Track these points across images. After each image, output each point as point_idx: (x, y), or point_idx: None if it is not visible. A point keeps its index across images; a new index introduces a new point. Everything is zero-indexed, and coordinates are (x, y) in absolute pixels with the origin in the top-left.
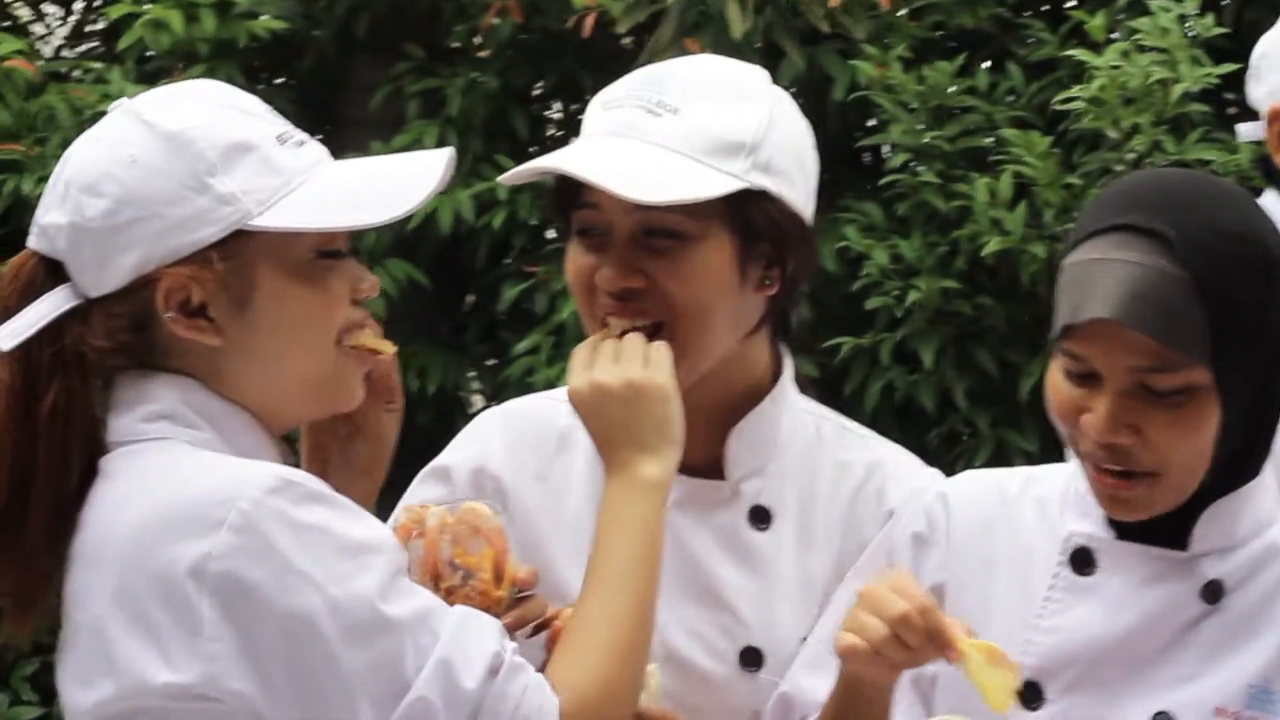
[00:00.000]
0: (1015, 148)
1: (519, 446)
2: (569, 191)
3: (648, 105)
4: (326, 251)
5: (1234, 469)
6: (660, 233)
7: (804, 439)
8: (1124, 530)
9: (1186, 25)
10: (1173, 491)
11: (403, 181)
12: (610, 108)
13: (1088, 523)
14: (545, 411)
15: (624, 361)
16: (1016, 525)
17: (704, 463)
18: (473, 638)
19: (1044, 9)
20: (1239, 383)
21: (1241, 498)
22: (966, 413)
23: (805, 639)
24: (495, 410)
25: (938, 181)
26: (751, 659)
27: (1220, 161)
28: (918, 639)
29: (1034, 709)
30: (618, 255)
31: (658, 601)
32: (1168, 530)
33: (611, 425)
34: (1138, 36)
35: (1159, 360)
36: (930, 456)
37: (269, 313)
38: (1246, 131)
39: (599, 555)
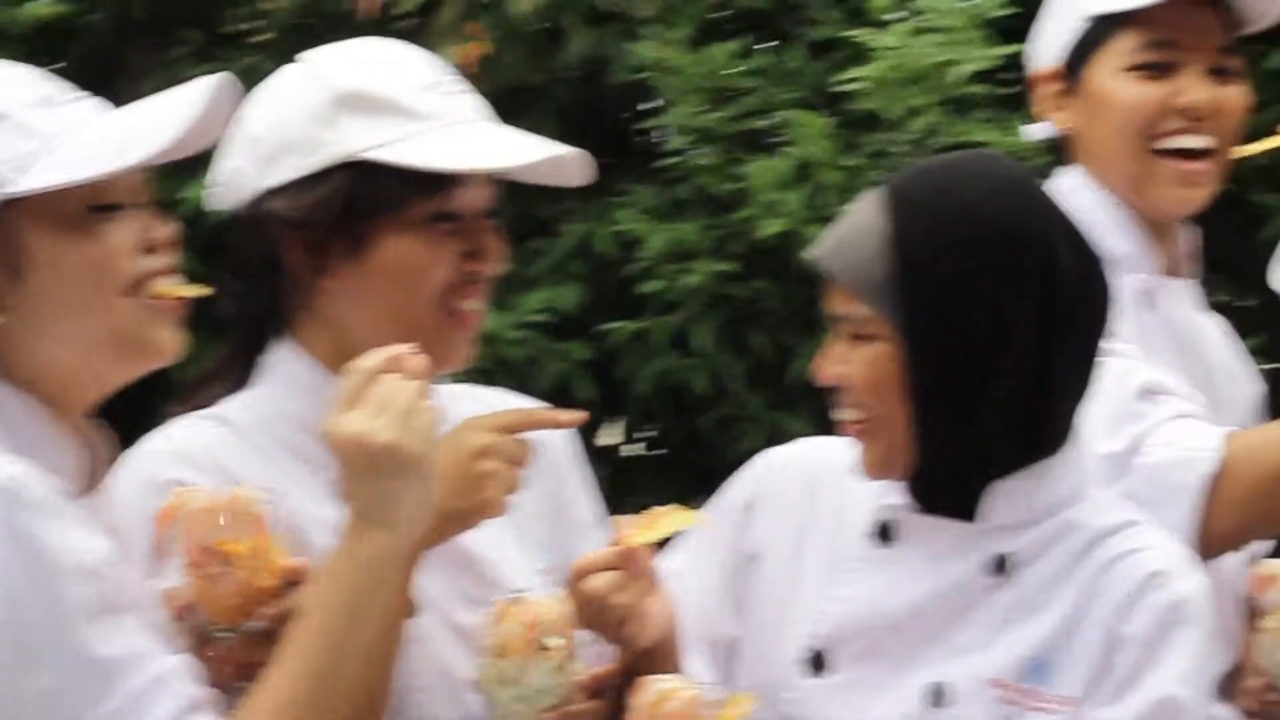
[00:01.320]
0: (795, 129)
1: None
2: (440, 179)
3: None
4: (99, 205)
5: (1020, 445)
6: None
7: None
8: (926, 504)
9: (972, 4)
10: (885, 435)
11: (166, 117)
12: (449, 93)
13: (894, 494)
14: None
15: (391, 415)
16: (840, 495)
17: None
18: (158, 702)
19: None
20: (926, 341)
21: (1035, 475)
22: (741, 397)
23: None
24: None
25: (716, 164)
26: None
27: (1000, 143)
28: None
29: (821, 677)
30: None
31: (360, 670)
32: (967, 506)
33: (359, 484)
34: (922, 16)
35: (850, 306)
36: (704, 442)
37: (46, 279)
38: (1035, 131)
39: (303, 612)
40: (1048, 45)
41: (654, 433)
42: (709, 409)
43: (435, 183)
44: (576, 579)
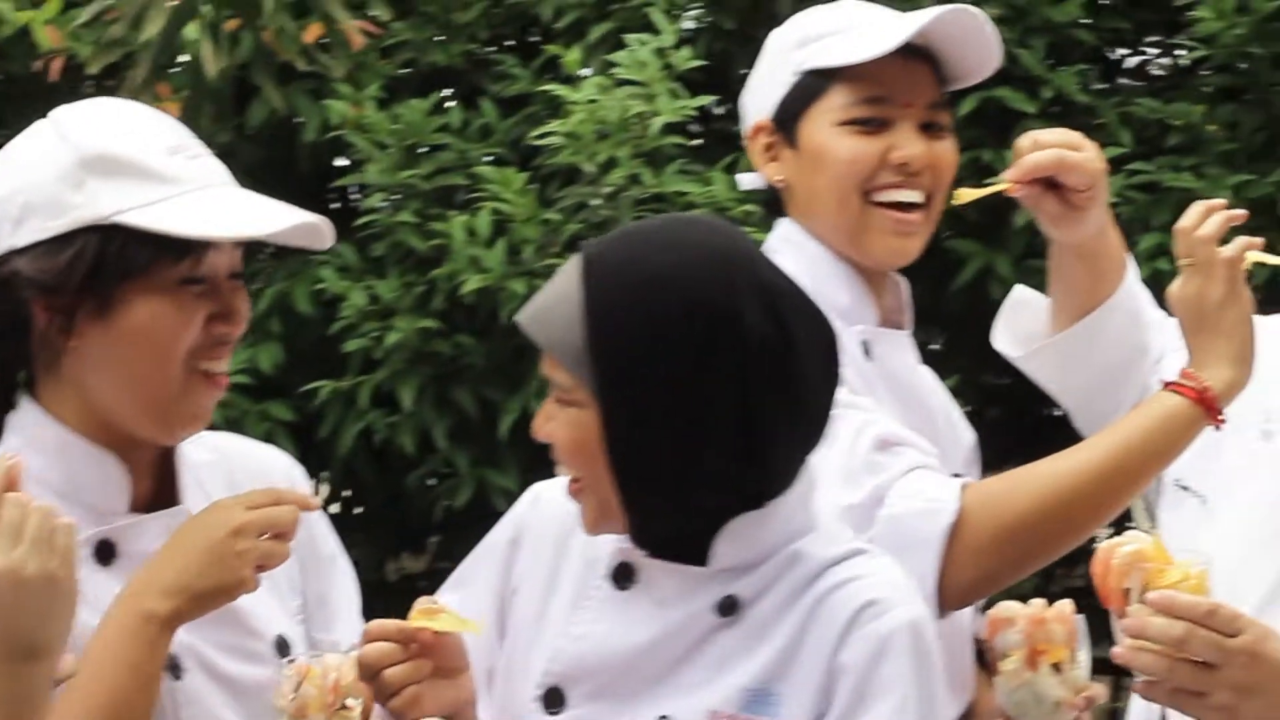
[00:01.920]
0: (492, 185)
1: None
2: (189, 244)
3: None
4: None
5: (736, 496)
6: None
7: None
8: (658, 549)
9: (664, 59)
10: (594, 495)
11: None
12: (194, 156)
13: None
14: None
15: (30, 542)
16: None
17: None
18: None
19: (517, 44)
20: (621, 408)
21: (761, 516)
22: (446, 453)
23: None
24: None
25: (415, 220)
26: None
27: (696, 193)
28: None
29: (554, 714)
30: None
31: None
32: (698, 549)
33: (11, 618)
34: (615, 70)
35: (554, 371)
36: (410, 499)
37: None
38: (747, 180)
39: None
40: (761, 98)
41: (352, 492)
42: (415, 466)
43: (184, 247)
44: (365, 642)
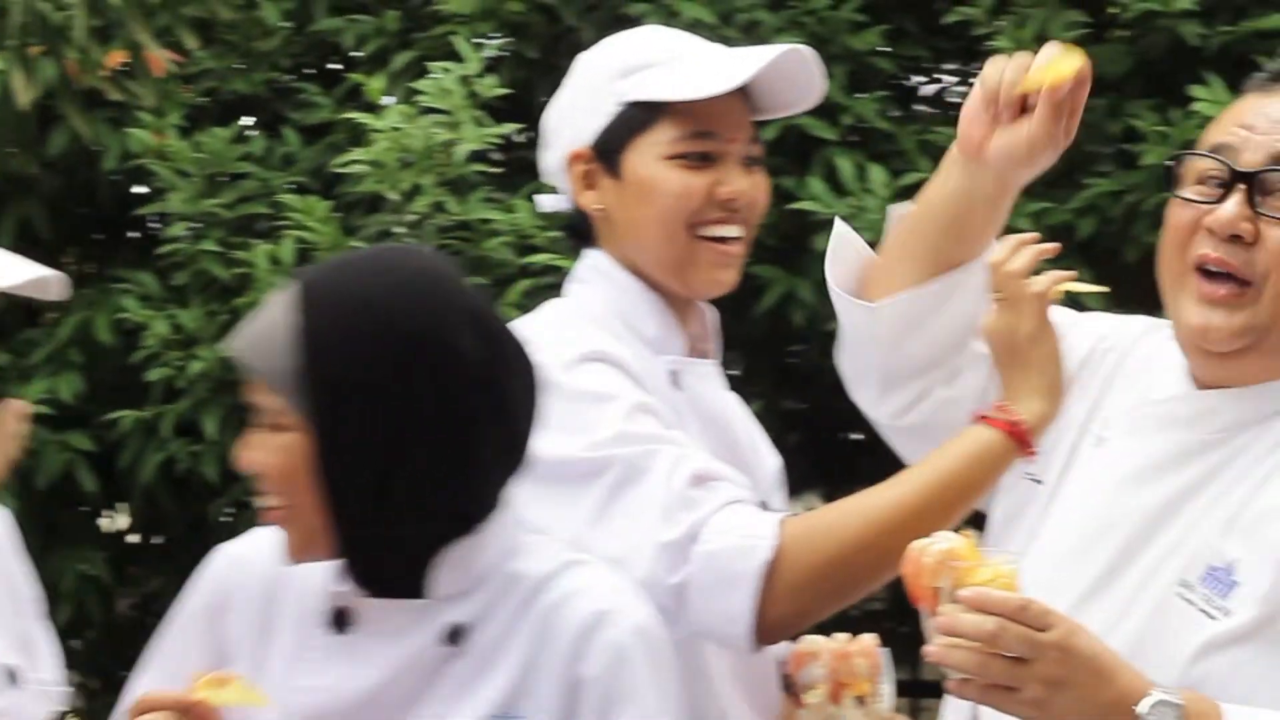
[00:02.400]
0: (295, 213)
1: None
2: None
3: None
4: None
5: (445, 523)
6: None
7: None
8: (373, 585)
9: (467, 87)
10: (300, 523)
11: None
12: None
13: (344, 580)
14: None
15: None
16: (302, 583)
17: None
18: None
19: (320, 72)
20: (330, 432)
21: (474, 543)
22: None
23: None
24: None
25: (218, 249)
26: None
27: (500, 220)
28: None
29: None
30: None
31: None
32: (415, 582)
33: None
34: (419, 98)
35: (263, 397)
36: (212, 529)
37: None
38: (547, 203)
39: None
40: (577, 125)
41: (153, 522)
42: (218, 496)
43: None
44: (136, 712)
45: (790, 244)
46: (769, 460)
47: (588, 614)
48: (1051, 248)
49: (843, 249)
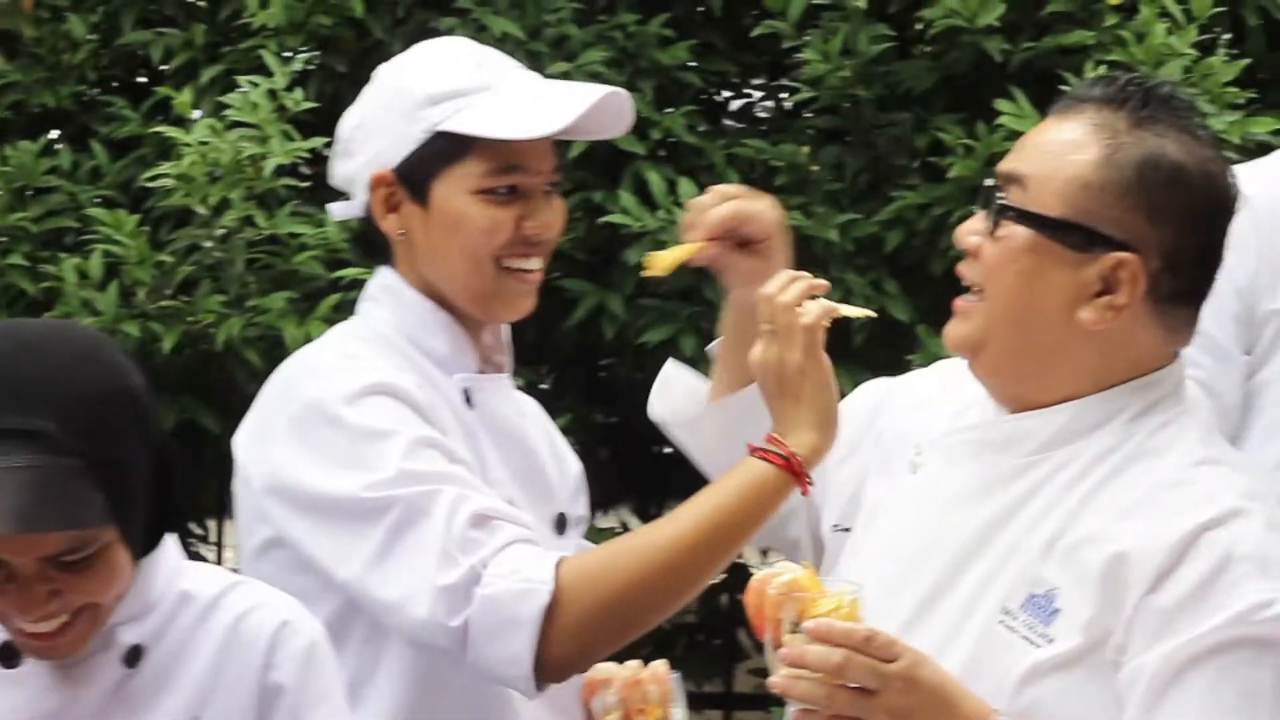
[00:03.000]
0: (103, 227)
1: None
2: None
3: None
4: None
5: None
6: None
7: None
8: None
9: (276, 101)
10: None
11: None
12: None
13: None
14: None
15: None
16: None
17: None
18: None
19: (127, 86)
20: (137, 513)
21: (146, 565)
22: None
23: None
24: None
25: (25, 263)
26: None
27: (309, 235)
28: None
29: None
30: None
31: None
32: None
33: None
34: (227, 112)
35: (72, 542)
36: None
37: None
38: (339, 211)
39: None
40: (381, 147)
41: None
42: None
43: None
44: None
45: (600, 258)
46: (570, 463)
47: (275, 624)
48: (822, 284)
49: (672, 385)
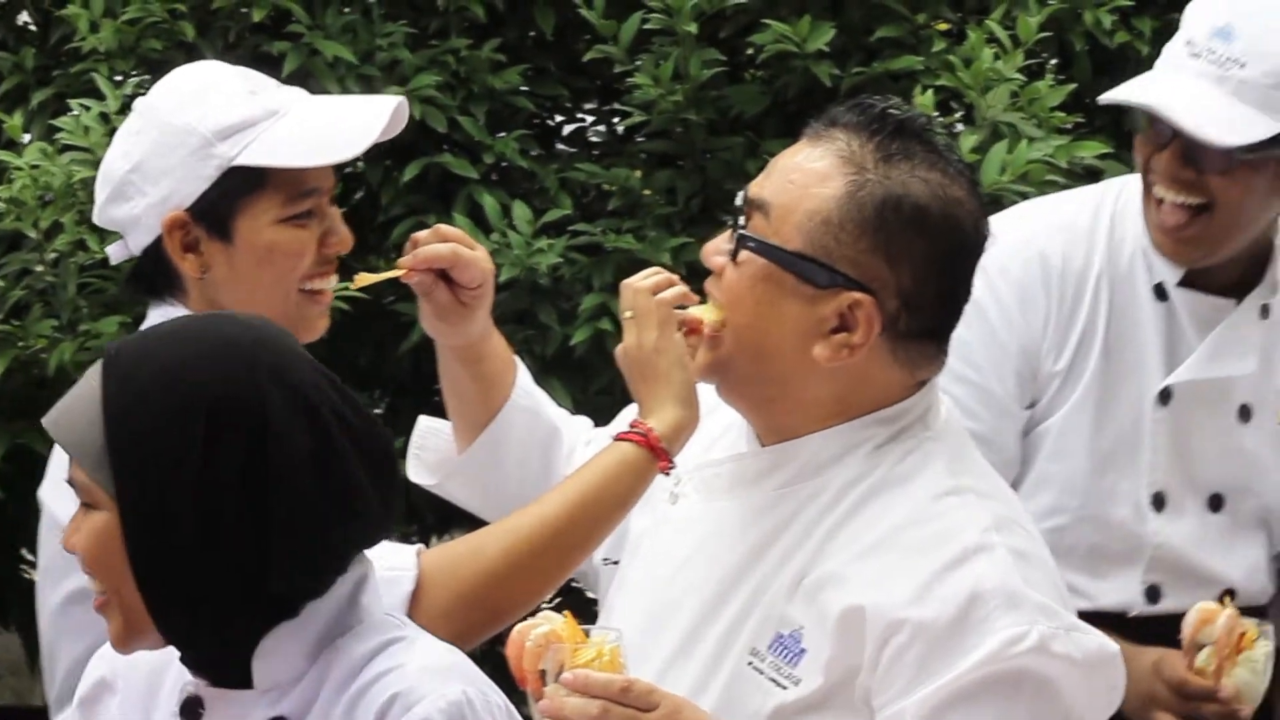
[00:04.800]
0: None
1: None
2: None
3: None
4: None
5: (273, 606)
6: None
7: None
8: (213, 675)
9: (107, 125)
10: (119, 607)
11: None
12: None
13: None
14: None
15: None
16: (178, 674)
17: None
18: None
19: None
20: (137, 510)
21: (295, 628)
22: None
23: None
24: None
25: None
26: None
27: None
28: None
29: None
30: None
31: None
32: (244, 671)
33: None
34: (59, 136)
35: (78, 474)
36: None
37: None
38: (116, 254)
39: None
40: (171, 187)
41: None
42: None
43: None
44: None
45: None
46: None
47: (386, 697)
48: (682, 288)
49: (429, 438)
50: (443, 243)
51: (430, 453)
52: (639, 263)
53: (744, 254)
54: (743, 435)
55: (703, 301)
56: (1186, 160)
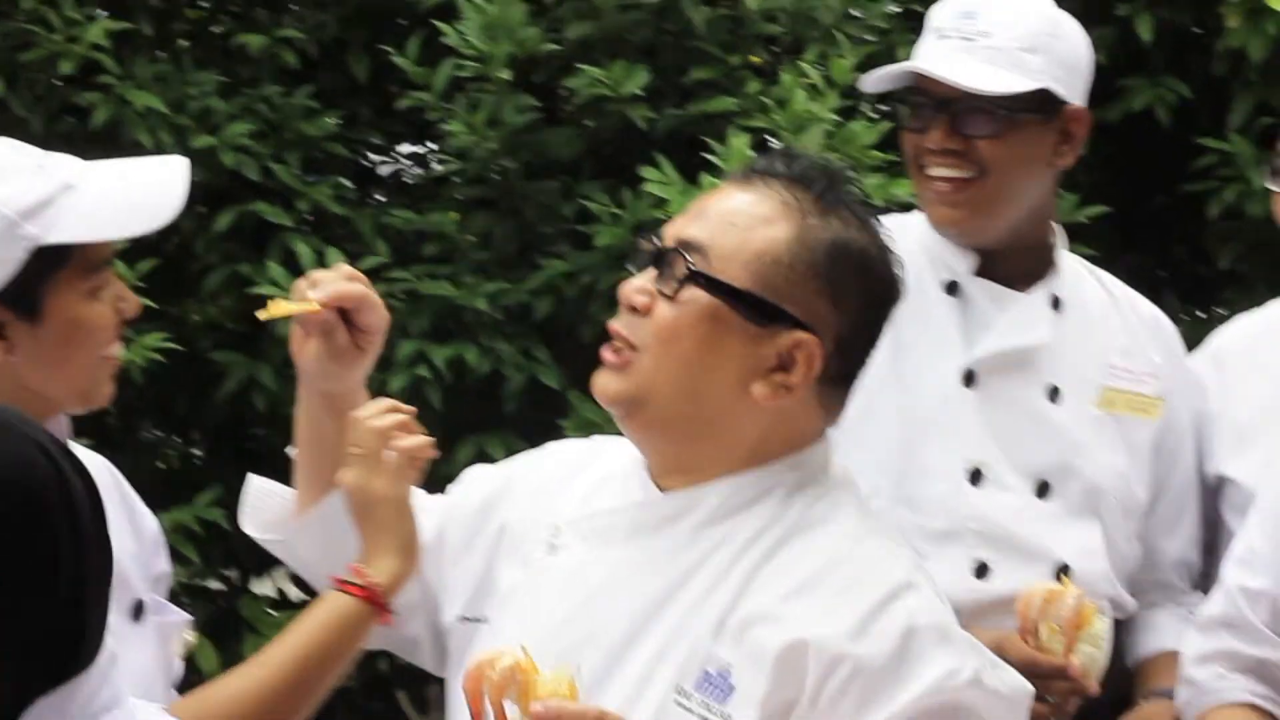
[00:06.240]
0: None
1: None
2: None
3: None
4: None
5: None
6: None
7: None
8: None
9: None
10: None
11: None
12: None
13: None
14: None
15: None
16: None
17: None
18: None
19: None
20: None
21: (58, 702)
22: None
23: None
24: None
25: None
26: None
27: None
28: None
29: None
30: None
31: None
32: None
33: None
34: None
35: None
36: None
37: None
38: None
39: None
40: None
41: None
42: None
43: None
44: None
45: (251, 329)
46: (149, 526)
47: None
48: (413, 417)
49: (261, 500)
50: (355, 283)
51: (267, 512)
52: (456, 308)
53: (688, 291)
54: (631, 483)
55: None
56: (954, 130)
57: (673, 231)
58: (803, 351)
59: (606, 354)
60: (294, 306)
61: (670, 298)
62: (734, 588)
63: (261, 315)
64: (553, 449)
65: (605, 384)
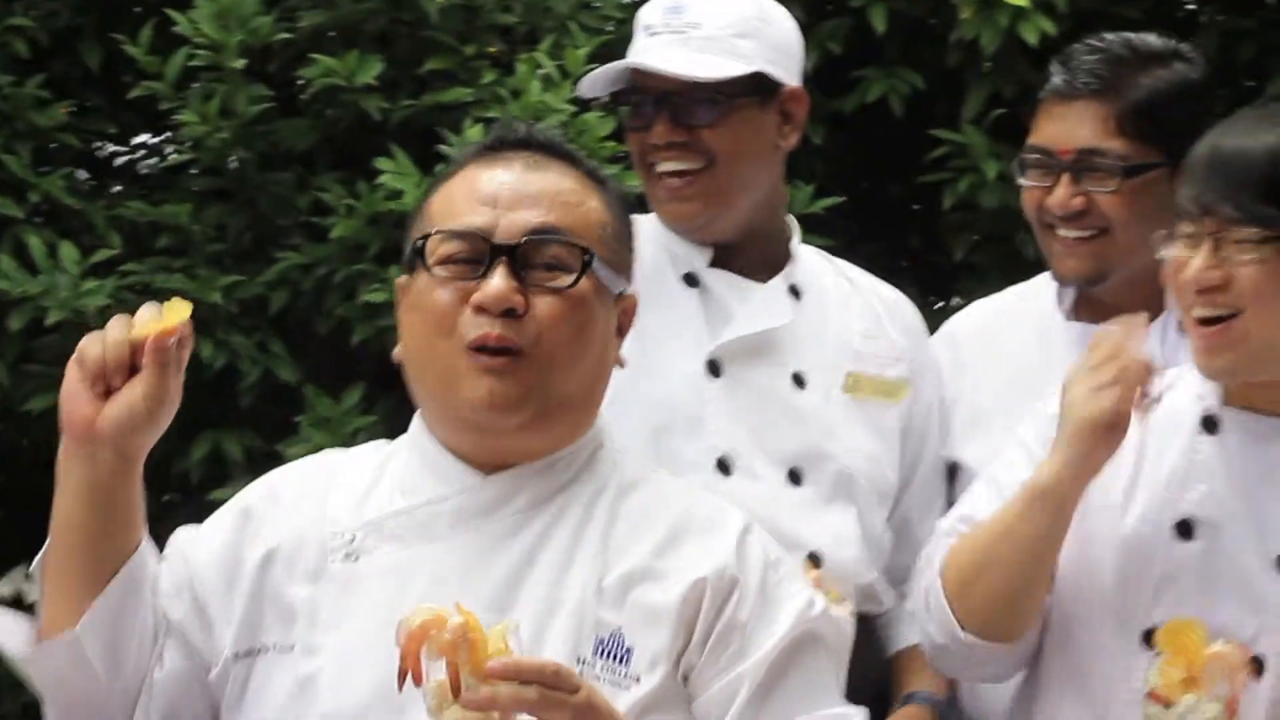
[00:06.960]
0: None
1: None
2: None
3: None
4: None
5: None
6: None
7: None
8: None
9: None
10: None
11: None
12: None
13: None
14: None
15: None
16: None
17: None
18: None
19: None
20: None
21: None
22: None
23: None
24: None
25: None
26: None
27: None
28: None
29: None
30: None
31: None
32: None
33: None
34: None
35: None
36: None
37: None
38: None
39: None
40: None
41: None
42: None
43: None
44: None
45: None
46: None
47: None
48: None
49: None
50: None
51: (13, 636)
52: (191, 301)
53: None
54: (430, 478)
55: None
56: (676, 123)
57: (505, 226)
58: (628, 313)
59: (496, 362)
60: (183, 316)
61: (567, 290)
62: (593, 551)
63: (167, 313)
64: (277, 475)
65: (506, 390)
